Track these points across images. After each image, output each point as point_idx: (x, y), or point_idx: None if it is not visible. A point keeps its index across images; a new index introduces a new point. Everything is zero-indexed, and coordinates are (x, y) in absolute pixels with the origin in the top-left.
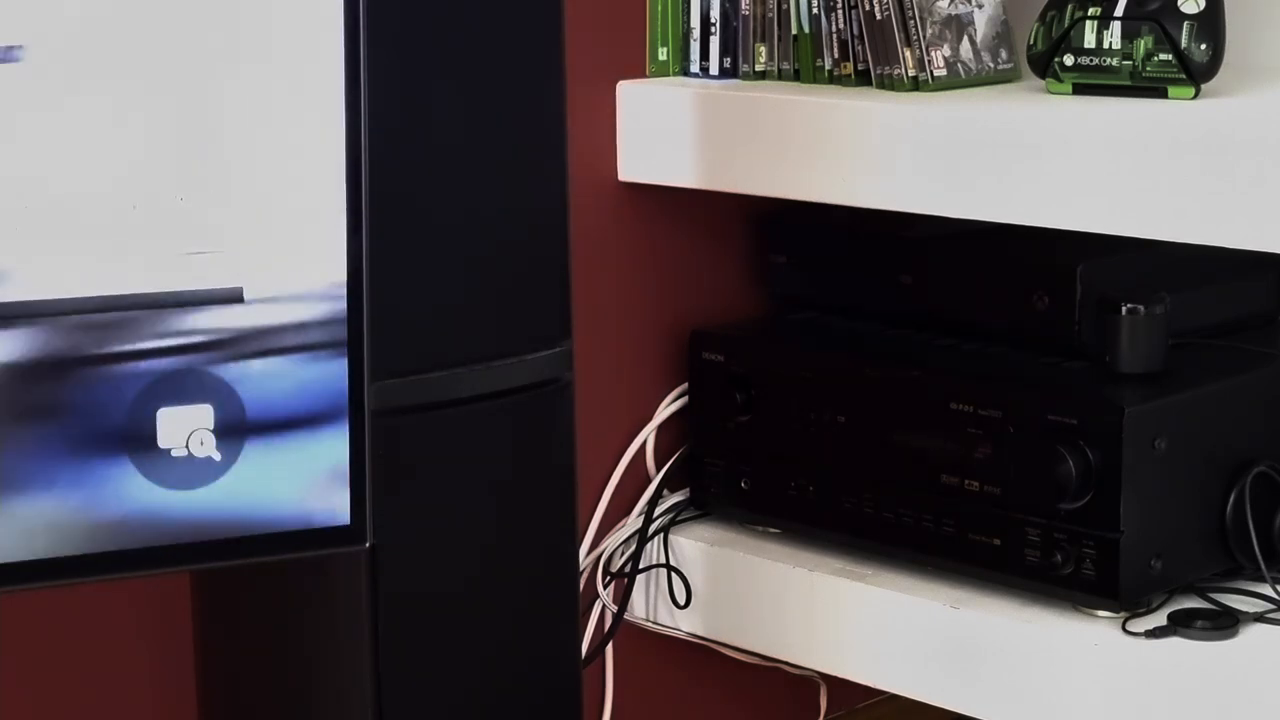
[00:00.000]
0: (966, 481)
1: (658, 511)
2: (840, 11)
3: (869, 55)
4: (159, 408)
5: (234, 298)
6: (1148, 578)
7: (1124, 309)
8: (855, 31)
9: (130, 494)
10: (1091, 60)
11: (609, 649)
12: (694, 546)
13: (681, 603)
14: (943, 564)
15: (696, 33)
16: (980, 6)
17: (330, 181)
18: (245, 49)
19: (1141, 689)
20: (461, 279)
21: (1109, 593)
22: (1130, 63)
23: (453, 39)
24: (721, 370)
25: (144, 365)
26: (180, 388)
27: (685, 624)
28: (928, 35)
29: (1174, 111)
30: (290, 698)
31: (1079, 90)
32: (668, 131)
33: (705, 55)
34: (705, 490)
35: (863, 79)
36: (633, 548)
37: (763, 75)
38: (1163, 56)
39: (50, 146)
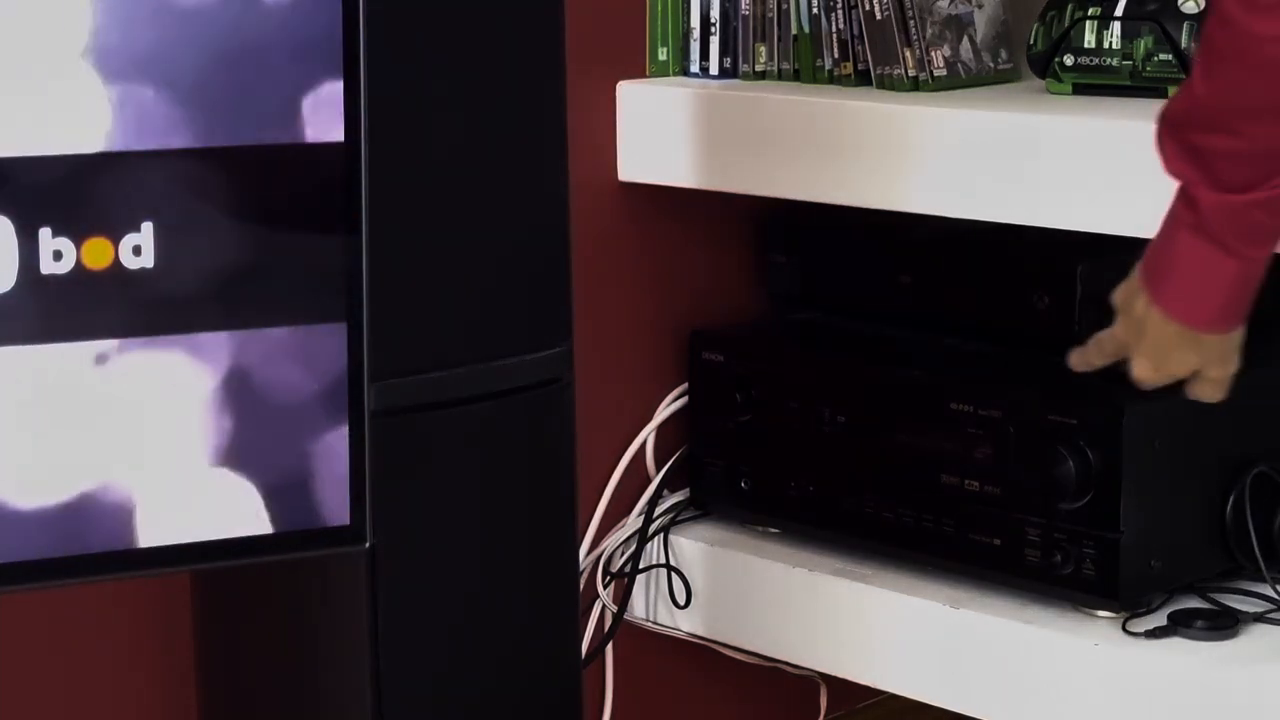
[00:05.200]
0: (966, 481)
1: (658, 511)
2: (840, 11)
3: (869, 55)
4: None
5: None
6: (1148, 578)
7: None
8: (855, 31)
9: None
10: (1091, 60)
11: (609, 649)
12: (694, 546)
13: (681, 603)
14: (943, 564)
15: (696, 33)
16: (980, 6)
17: None
18: None
19: (1141, 689)
20: (462, 279)
21: (1109, 593)
22: (1130, 63)
23: (453, 39)
24: (721, 370)
25: None
26: None
27: (685, 624)
28: (928, 35)
29: None
30: (290, 697)
31: (1079, 90)
32: (668, 131)
33: (705, 55)
34: (705, 490)
35: (863, 79)
36: (633, 548)
37: (763, 75)
38: (1163, 56)
39: None
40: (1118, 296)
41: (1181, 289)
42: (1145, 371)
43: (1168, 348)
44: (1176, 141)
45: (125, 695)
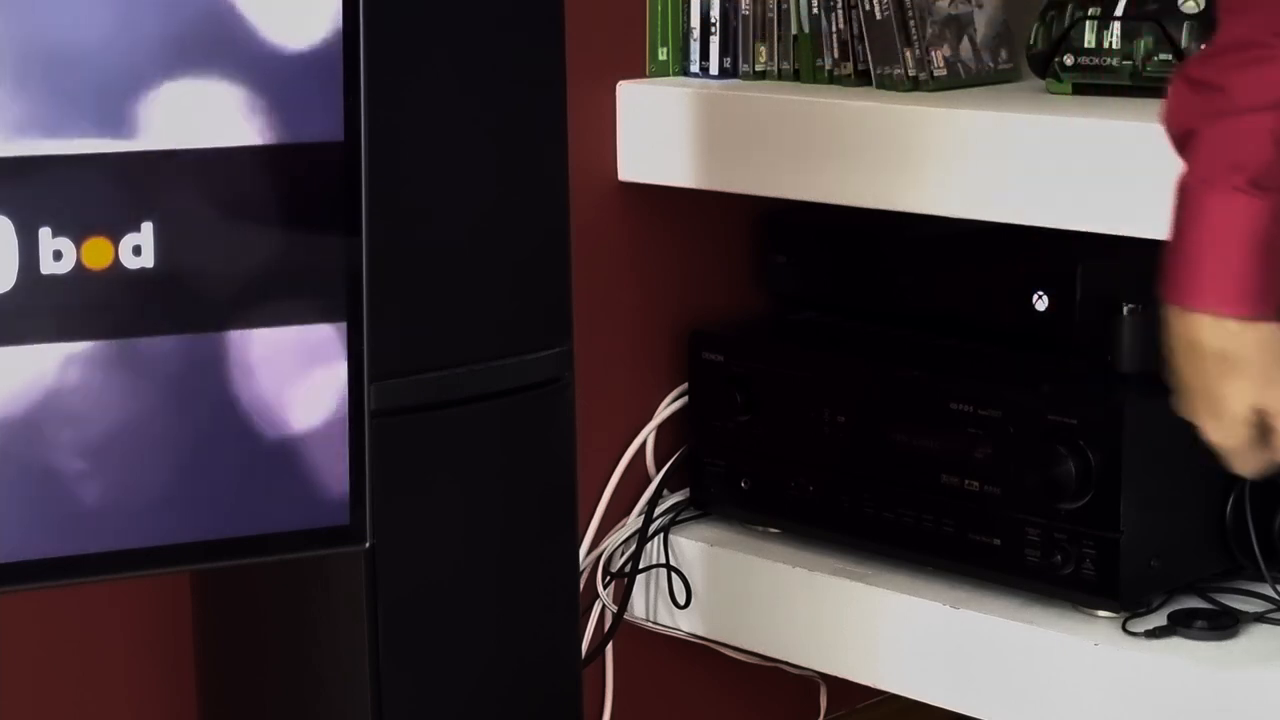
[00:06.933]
0: (966, 481)
1: (658, 511)
2: (840, 11)
3: (869, 55)
4: None
5: None
6: (1148, 578)
7: (1124, 309)
8: (855, 31)
9: None
10: (1091, 60)
11: (609, 649)
12: (694, 546)
13: (681, 603)
14: (943, 564)
15: (696, 33)
16: (980, 6)
17: None
18: None
19: (1141, 689)
20: (461, 279)
21: (1109, 593)
22: (1130, 63)
23: (453, 39)
24: (721, 370)
25: None
26: None
27: (685, 624)
28: (928, 35)
29: None
30: (290, 697)
31: (1079, 90)
32: (668, 131)
33: (705, 55)
34: (705, 490)
35: (863, 79)
36: (633, 548)
37: (763, 75)
38: (1163, 56)
39: None
40: (1170, 364)
41: (1201, 269)
42: (1210, 428)
43: (1211, 377)
44: (1185, 80)
45: (125, 695)
